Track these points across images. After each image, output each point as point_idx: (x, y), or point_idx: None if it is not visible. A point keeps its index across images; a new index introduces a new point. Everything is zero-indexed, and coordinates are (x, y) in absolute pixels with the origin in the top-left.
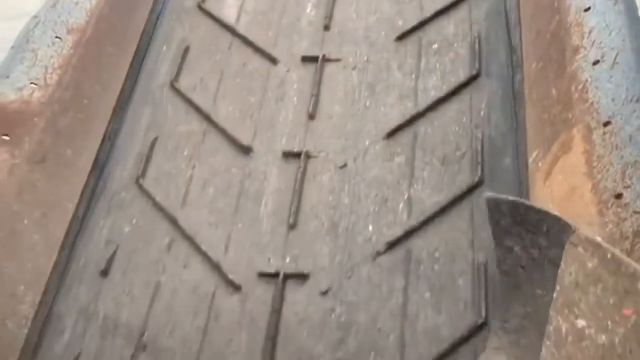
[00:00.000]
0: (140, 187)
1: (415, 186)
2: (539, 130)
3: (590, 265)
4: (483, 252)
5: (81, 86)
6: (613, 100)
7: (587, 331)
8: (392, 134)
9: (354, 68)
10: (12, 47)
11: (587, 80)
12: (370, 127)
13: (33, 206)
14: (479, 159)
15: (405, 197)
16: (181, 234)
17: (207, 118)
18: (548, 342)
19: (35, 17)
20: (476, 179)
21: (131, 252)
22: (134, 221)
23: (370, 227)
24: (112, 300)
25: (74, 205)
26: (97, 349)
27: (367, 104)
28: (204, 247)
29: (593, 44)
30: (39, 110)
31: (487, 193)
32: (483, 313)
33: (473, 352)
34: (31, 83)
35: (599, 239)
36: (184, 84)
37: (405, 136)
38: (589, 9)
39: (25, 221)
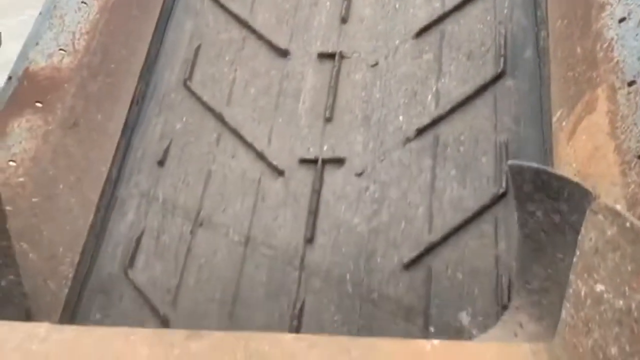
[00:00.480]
0: (188, 89)
1: (442, 80)
2: (564, 89)
3: (609, 232)
4: (505, 134)
5: (108, 51)
6: (639, 59)
7: (605, 295)
8: (420, 33)
9: None
10: (40, 14)
11: (612, 39)
12: (399, 27)
13: (68, 171)
14: (502, 52)
15: (433, 90)
16: (228, 129)
17: (245, 25)
18: (568, 305)
19: None
20: (499, 70)
21: (184, 146)
22: (184, 119)
23: (401, 118)
24: (170, 185)
25: (107, 169)
26: (159, 226)
27: (397, 6)
28: (249, 140)
29: (619, 0)
30: (69, 76)
31: (511, 161)
32: (504, 184)
33: (494, 218)
34: (60, 49)
35: (618, 207)
36: None
37: (433, 35)
38: None
39: (61, 185)
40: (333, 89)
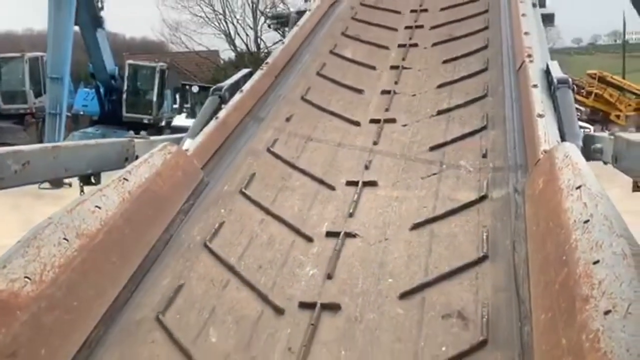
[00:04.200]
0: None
1: None
2: None
3: None
4: None
5: (75, 288)
6: (628, 350)
7: None
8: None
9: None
10: (18, 242)
11: (598, 330)
12: None
13: None
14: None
15: None
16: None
17: None
18: None
19: (49, 218)
20: None
21: None
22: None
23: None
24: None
25: None
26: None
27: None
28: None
29: (603, 294)
30: (25, 303)
31: None
32: None
33: None
34: (25, 277)
35: None
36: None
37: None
38: (598, 261)
39: None
40: None
